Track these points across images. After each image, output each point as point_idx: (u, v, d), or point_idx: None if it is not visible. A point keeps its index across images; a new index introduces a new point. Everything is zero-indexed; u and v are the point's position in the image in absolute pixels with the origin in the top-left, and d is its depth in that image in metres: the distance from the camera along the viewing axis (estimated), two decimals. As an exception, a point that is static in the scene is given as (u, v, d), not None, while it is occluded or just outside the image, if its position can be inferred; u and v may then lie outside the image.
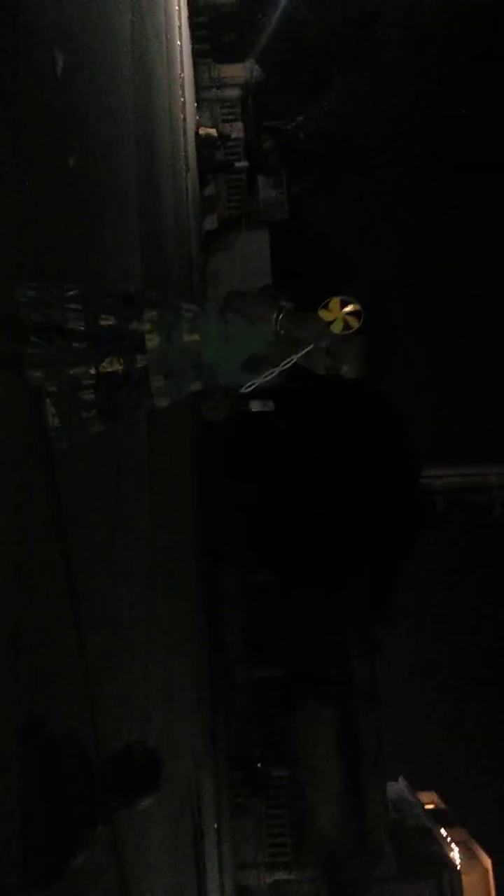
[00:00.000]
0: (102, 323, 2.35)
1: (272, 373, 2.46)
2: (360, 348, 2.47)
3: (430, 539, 24.17)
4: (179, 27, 15.34)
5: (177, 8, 15.18)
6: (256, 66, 20.91)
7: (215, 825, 12.75)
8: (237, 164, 19.34)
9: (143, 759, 2.22)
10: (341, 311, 2.42)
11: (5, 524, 2.76)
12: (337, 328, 2.41)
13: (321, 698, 18.98)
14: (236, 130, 19.76)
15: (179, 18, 15.56)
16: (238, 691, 18.27)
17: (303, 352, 2.44)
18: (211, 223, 18.83)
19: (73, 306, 2.34)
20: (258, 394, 2.59)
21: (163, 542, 7.73)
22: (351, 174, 22.96)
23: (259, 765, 17.52)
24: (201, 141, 17.48)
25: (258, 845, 17.61)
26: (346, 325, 2.42)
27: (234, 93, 20.56)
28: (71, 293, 2.37)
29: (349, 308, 2.42)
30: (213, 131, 18.44)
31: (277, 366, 2.48)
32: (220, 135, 18.71)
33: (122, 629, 5.36)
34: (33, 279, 2.51)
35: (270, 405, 2.67)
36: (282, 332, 2.44)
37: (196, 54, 19.12)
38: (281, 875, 17.97)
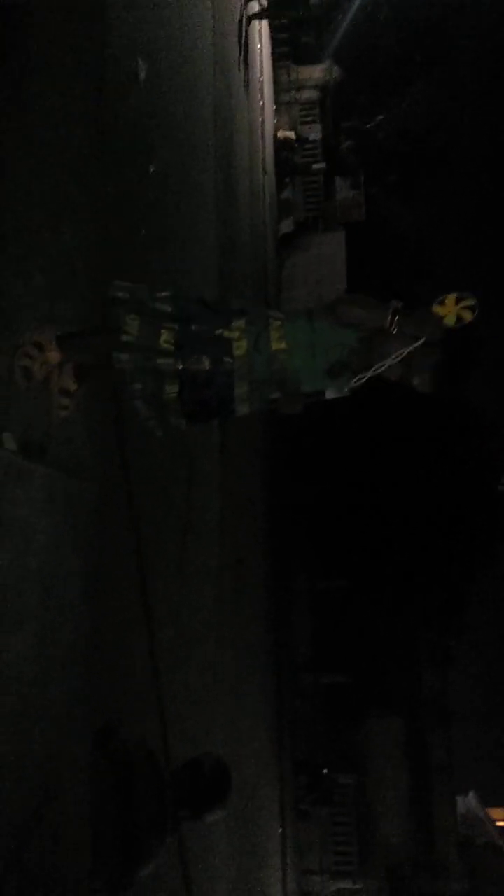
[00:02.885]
0: (193, 327, 2.37)
1: (363, 377, 2.45)
2: (434, 361, 2.44)
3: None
4: (259, 31, 15.40)
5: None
6: (336, 67, 20.79)
7: (280, 830, 12.71)
8: (315, 167, 19.26)
9: (213, 773, 2.20)
10: (456, 306, 2.40)
11: (84, 528, 2.80)
12: (450, 321, 2.41)
13: (390, 707, 18.66)
14: (314, 132, 19.69)
15: (259, 22, 15.61)
16: (305, 697, 18.16)
17: (394, 357, 2.41)
18: (287, 226, 18.80)
19: (164, 308, 2.37)
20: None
21: (232, 546, 7.75)
22: (429, 175, 22.53)
23: (325, 771, 17.36)
24: (279, 144, 17.49)
25: (323, 852, 17.46)
26: (460, 319, 2.42)
27: (312, 94, 20.51)
28: (162, 295, 2.40)
29: (464, 303, 2.39)
30: (291, 134, 18.44)
31: (358, 373, 2.46)
32: (299, 137, 18.69)
33: (192, 632, 5.39)
34: (126, 280, 2.54)
35: (346, 391, 2.64)
36: (395, 331, 2.42)
37: (275, 57, 19.16)
38: (345, 884, 17.77)
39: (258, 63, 14.54)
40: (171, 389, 2.40)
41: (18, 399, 2.30)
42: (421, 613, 18.88)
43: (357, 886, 17.77)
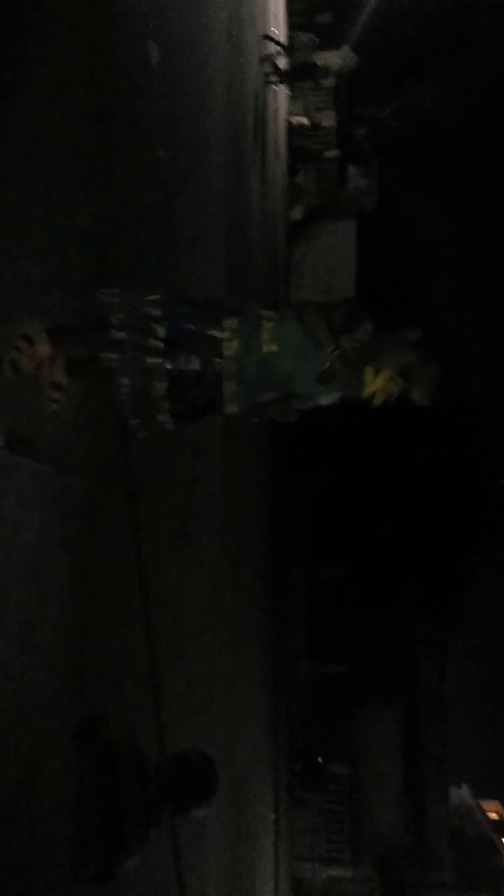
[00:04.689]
0: (183, 327, 2.35)
1: (337, 394, 2.45)
2: (432, 375, 2.43)
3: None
4: (276, 14, 15.22)
5: (274, -5, 15.07)
6: (351, 53, 20.57)
7: (273, 816, 12.80)
8: (327, 154, 19.08)
9: (199, 769, 2.20)
10: (382, 386, 2.40)
11: (73, 523, 2.79)
12: (366, 394, 2.43)
13: (386, 698, 18.74)
14: (328, 119, 19.49)
15: (276, 5, 15.44)
16: (302, 685, 18.25)
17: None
18: (298, 212, 18.66)
19: (154, 312, 2.35)
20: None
21: (233, 534, 7.75)
22: (444, 165, 22.32)
23: (320, 759, 17.47)
24: (292, 130, 17.34)
25: (315, 839, 17.60)
26: (374, 396, 2.42)
27: (327, 81, 20.29)
28: (152, 298, 2.38)
29: (392, 386, 2.39)
30: (304, 120, 18.26)
31: (347, 384, 2.45)
32: (312, 124, 18.51)
33: (190, 619, 5.40)
34: (115, 284, 2.52)
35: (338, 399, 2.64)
36: (327, 366, 2.42)
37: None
38: (337, 871, 17.92)
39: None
40: (160, 386, 2.38)
41: (6, 392, 2.28)
42: (419, 605, 18.93)
43: (348, 874, 17.91)
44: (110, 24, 3.61)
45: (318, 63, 16.45)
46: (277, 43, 13.44)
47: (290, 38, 16.78)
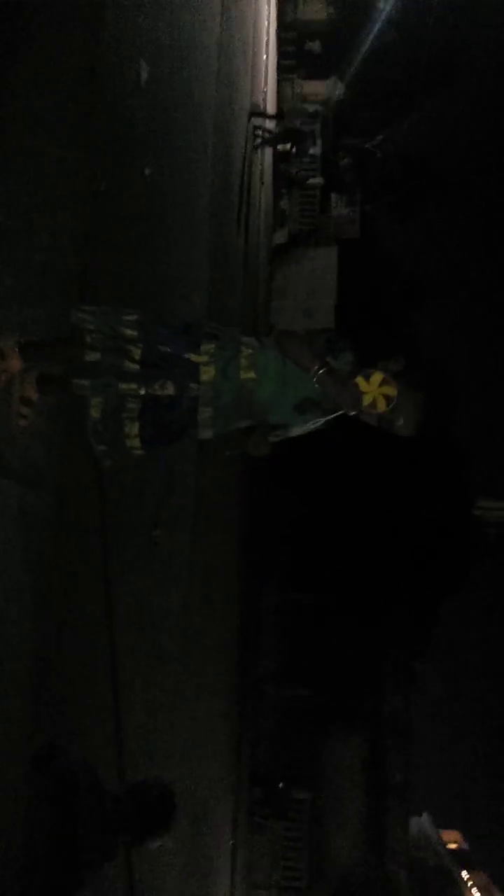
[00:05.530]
0: (160, 348, 2.31)
1: (318, 422, 2.40)
2: (416, 405, 2.36)
3: (480, 572, 23.63)
4: (267, 42, 15.44)
5: (266, 23, 15.29)
6: (340, 84, 20.93)
7: (231, 842, 12.60)
8: (312, 181, 19.33)
9: (158, 799, 2.15)
10: (378, 388, 2.33)
11: (39, 541, 2.73)
12: (367, 400, 2.33)
13: (350, 724, 18.63)
14: (314, 147, 19.77)
15: (268, 33, 15.67)
16: (267, 708, 18.08)
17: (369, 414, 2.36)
18: (281, 237, 18.84)
19: (130, 333, 2.30)
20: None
21: (203, 554, 7.69)
22: (427, 198, 22.71)
23: (281, 784, 17.25)
24: (278, 155, 17.53)
25: (272, 866, 17.34)
26: (374, 404, 2.34)
27: (314, 149, 20.60)
28: (129, 318, 2.33)
29: (386, 388, 2.32)
30: (290, 147, 18.46)
31: (328, 412, 2.40)
32: (298, 150, 18.72)
33: (156, 641, 5.33)
34: (92, 302, 2.48)
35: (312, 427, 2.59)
36: (317, 386, 2.34)
37: (281, 69, 19.24)
38: (293, 899, 17.65)
39: (263, 74, 14.57)
40: (132, 408, 2.33)
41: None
42: (388, 632, 18.91)
43: (305, 902, 17.65)
44: (99, 44, 3.62)
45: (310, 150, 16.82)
46: (265, 115, 13.75)
47: (280, 106, 17.11)
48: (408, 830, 20.14)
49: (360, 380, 2.33)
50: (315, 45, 20.50)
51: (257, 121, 12.86)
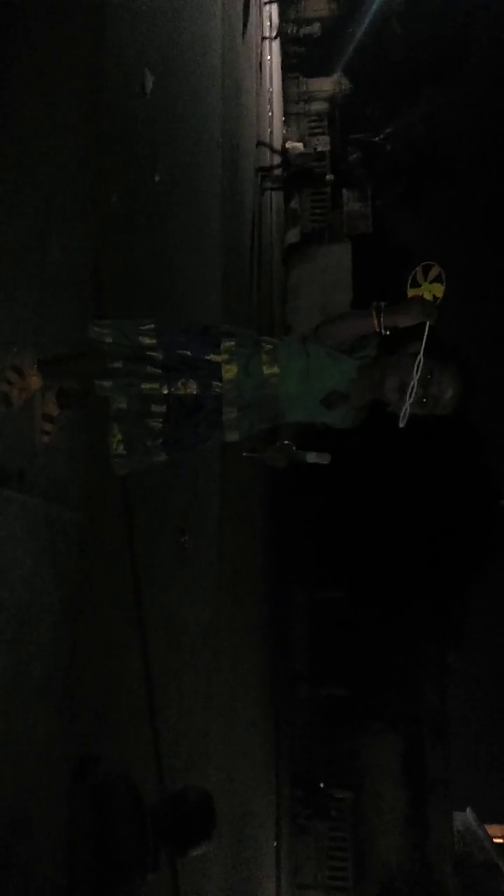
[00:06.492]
0: (180, 353, 2.29)
1: (346, 418, 2.36)
2: (453, 375, 2.27)
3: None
4: (270, 42, 15.43)
5: (268, 23, 15.29)
6: (345, 79, 20.85)
7: (275, 844, 12.59)
8: (322, 178, 19.25)
9: (197, 807, 2.13)
10: (426, 282, 2.33)
11: (67, 556, 2.74)
12: (429, 297, 2.34)
13: (388, 721, 18.51)
14: (323, 144, 19.72)
15: (271, 33, 15.66)
16: (303, 708, 18.02)
17: (410, 392, 2.25)
18: (294, 236, 18.79)
19: (148, 341, 2.28)
20: (321, 438, 2.49)
21: (230, 556, 7.69)
22: (437, 189, 22.52)
23: (322, 785, 17.20)
24: (287, 154, 17.49)
25: (318, 867, 17.28)
26: (435, 298, 2.35)
27: (321, 106, 20.56)
28: (146, 327, 2.30)
29: (431, 273, 2.34)
30: (299, 145, 18.44)
31: (355, 405, 2.35)
32: (307, 148, 18.69)
33: (187, 644, 5.33)
34: (108, 314, 2.47)
35: (327, 457, 2.55)
36: (386, 332, 2.24)
37: (285, 68, 19.21)
38: (340, 899, 17.58)
39: (268, 74, 14.57)
40: (159, 409, 2.30)
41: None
42: (420, 627, 18.77)
43: (352, 902, 17.58)
44: (103, 54, 3.64)
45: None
46: (272, 149, 13.82)
47: (286, 149, 17.17)
48: (452, 826, 19.98)
49: (411, 291, 2.35)
50: (315, 28, 20.23)
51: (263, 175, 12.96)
